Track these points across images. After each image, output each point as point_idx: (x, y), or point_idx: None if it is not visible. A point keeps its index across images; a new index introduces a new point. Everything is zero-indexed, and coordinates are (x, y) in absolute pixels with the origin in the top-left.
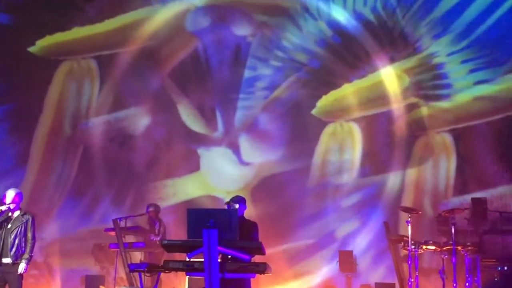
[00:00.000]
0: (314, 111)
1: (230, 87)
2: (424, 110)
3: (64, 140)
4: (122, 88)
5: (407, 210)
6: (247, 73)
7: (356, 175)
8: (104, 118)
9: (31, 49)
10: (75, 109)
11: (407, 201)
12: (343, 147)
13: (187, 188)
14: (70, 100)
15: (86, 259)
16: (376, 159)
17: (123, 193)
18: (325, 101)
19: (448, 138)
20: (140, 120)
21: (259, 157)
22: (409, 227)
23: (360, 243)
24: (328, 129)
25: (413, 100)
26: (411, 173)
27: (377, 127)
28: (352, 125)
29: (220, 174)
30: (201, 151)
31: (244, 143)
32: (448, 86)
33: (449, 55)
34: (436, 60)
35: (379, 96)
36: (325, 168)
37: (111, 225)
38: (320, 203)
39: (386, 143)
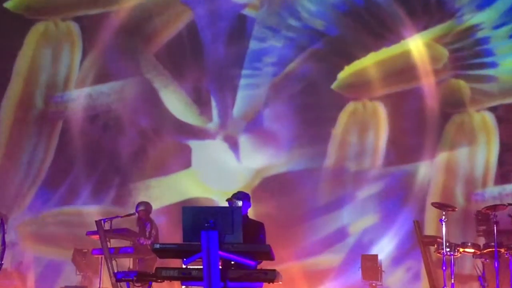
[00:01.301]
0: (334, 85)
1: (230, 64)
2: (462, 85)
3: (36, 115)
4: (108, 58)
5: (441, 206)
6: (252, 46)
7: (379, 162)
8: (85, 91)
9: (7, 4)
10: (50, 79)
11: (435, 190)
12: (365, 129)
13: (177, 188)
14: (44, 67)
15: (65, 266)
16: (403, 144)
17: (105, 187)
18: (347, 72)
19: (489, 118)
20: (127, 96)
21: (262, 152)
22: (443, 226)
23: (385, 245)
24: (349, 107)
25: (450, 75)
26: (442, 157)
27: (405, 107)
28: (377, 105)
29: (215, 172)
30: (193, 144)
31: (245, 135)
32: (493, 64)
33: (495, 28)
34: (480, 34)
35: (407, 70)
36: (343, 151)
37: (93, 226)
38: (335, 192)
39: (416, 127)
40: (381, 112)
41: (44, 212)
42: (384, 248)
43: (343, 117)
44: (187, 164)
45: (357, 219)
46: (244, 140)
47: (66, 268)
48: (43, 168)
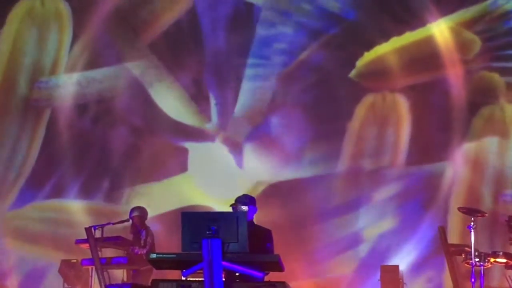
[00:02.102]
0: (352, 73)
1: (234, 53)
2: (494, 77)
3: (18, 102)
4: (101, 43)
5: (469, 212)
6: (259, 32)
7: (399, 161)
8: (74, 77)
9: None
10: (35, 62)
11: (459, 191)
12: (384, 123)
13: (172, 194)
14: (28, 49)
15: (50, 271)
16: (426, 141)
17: (93, 186)
18: (367, 59)
19: None
20: (121, 85)
21: (268, 156)
22: (472, 234)
23: (403, 253)
24: (367, 100)
25: (480, 66)
26: (468, 154)
27: (429, 100)
28: (398, 97)
29: (214, 178)
30: (189, 146)
31: (248, 136)
32: None
33: None
34: None
35: (432, 59)
36: (359, 148)
37: (80, 225)
38: (349, 194)
39: (440, 122)
40: (402, 105)
41: (27, 205)
42: (402, 256)
43: (360, 110)
44: (183, 168)
45: (372, 223)
46: (247, 143)
47: (50, 275)
48: (28, 162)
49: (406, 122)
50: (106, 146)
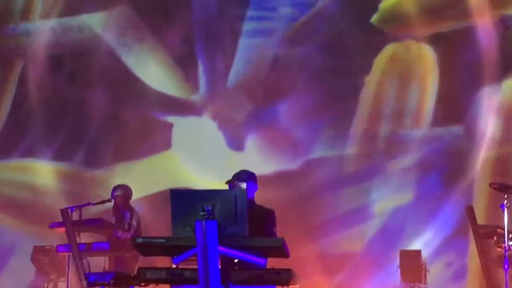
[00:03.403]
0: (374, 18)
1: (230, 5)
2: None
3: None
4: None
5: (503, 188)
6: None
7: (421, 125)
8: (49, 24)
9: None
10: (1, 5)
11: (490, 161)
12: (407, 79)
13: (153, 174)
14: None
15: (22, 268)
16: (455, 102)
17: (67, 158)
18: (391, 1)
19: None
20: (100, 37)
21: (268, 133)
22: (506, 213)
23: (419, 232)
24: (387, 50)
25: None
26: (502, 115)
27: (463, 51)
28: (424, 48)
29: (201, 158)
30: (173, 120)
31: (242, 110)
32: None
33: None
34: None
35: (462, 4)
36: (376, 108)
37: (57, 217)
38: (360, 161)
39: (473, 78)
40: (429, 57)
41: None
42: (418, 236)
43: (379, 63)
44: (167, 145)
45: (386, 196)
46: (241, 118)
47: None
48: None
49: (432, 77)
50: (83, 112)
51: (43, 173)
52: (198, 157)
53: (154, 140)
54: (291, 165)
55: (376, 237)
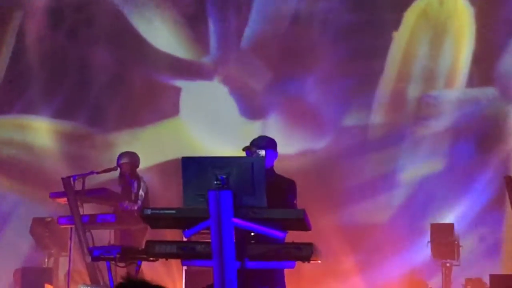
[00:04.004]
0: None
1: None
2: None
3: None
4: None
5: None
6: None
7: (455, 85)
8: None
9: None
10: None
11: None
12: (440, 36)
13: (160, 142)
14: None
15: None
16: (493, 61)
17: (69, 117)
18: None
19: None
20: None
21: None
22: None
23: (448, 204)
24: (419, 3)
25: None
26: None
27: (502, 7)
28: (460, 1)
29: (210, 126)
30: (182, 85)
31: (257, 76)
32: None
33: None
34: None
35: None
36: (405, 67)
37: (57, 182)
38: (387, 125)
39: None
40: (465, 12)
41: None
42: (448, 208)
43: (409, 18)
44: (173, 111)
45: (414, 164)
46: (257, 84)
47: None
48: None
49: (468, 34)
50: (85, 70)
51: (43, 132)
52: (208, 126)
53: (161, 105)
54: (313, 132)
55: (403, 208)
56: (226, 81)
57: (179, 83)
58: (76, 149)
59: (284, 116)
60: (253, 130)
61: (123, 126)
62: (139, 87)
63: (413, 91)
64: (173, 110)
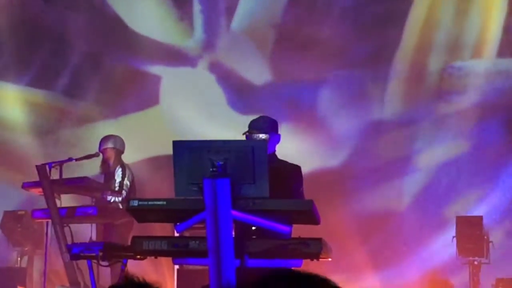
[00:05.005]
0: None
1: None
2: None
3: None
4: None
5: None
6: None
7: (483, 56)
8: None
9: None
10: None
11: None
12: (466, 2)
13: (140, 134)
14: None
15: None
16: None
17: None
18: None
19: None
20: None
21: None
22: None
23: (472, 192)
24: None
25: None
26: None
27: None
28: None
29: (196, 117)
30: (161, 71)
31: (247, 57)
32: None
33: None
34: None
35: None
36: (426, 38)
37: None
38: (404, 102)
39: None
40: None
41: None
42: (473, 196)
43: None
44: (153, 99)
45: (433, 145)
46: (247, 71)
47: None
48: None
49: (500, 3)
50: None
51: (14, 102)
52: (193, 116)
53: (141, 91)
54: (322, 110)
55: (421, 196)
56: (211, 68)
57: (157, 69)
58: (51, 123)
59: (283, 110)
60: (243, 122)
61: (102, 100)
62: (115, 72)
63: (435, 63)
64: (154, 99)
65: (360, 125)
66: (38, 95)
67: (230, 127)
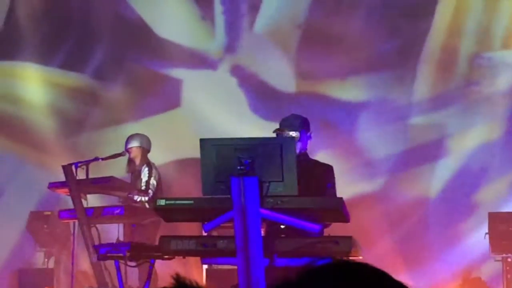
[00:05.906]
0: None
1: None
2: None
3: None
4: None
5: None
6: None
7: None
8: None
9: None
10: None
11: None
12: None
13: (160, 138)
14: None
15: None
16: None
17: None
18: None
19: None
20: None
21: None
22: None
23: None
24: None
25: None
26: None
27: None
28: None
29: (217, 120)
30: (182, 74)
31: (270, 60)
32: None
33: None
34: None
35: None
36: (457, 23)
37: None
38: (434, 86)
39: None
40: None
41: None
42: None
43: None
44: (175, 102)
45: (464, 130)
46: (270, 74)
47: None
48: None
49: None
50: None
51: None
52: (214, 119)
53: (161, 94)
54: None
55: (451, 185)
56: (233, 71)
57: (176, 72)
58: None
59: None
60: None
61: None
62: (135, 75)
63: (466, 48)
64: (174, 101)
65: (389, 107)
66: (66, 77)
67: (253, 134)
